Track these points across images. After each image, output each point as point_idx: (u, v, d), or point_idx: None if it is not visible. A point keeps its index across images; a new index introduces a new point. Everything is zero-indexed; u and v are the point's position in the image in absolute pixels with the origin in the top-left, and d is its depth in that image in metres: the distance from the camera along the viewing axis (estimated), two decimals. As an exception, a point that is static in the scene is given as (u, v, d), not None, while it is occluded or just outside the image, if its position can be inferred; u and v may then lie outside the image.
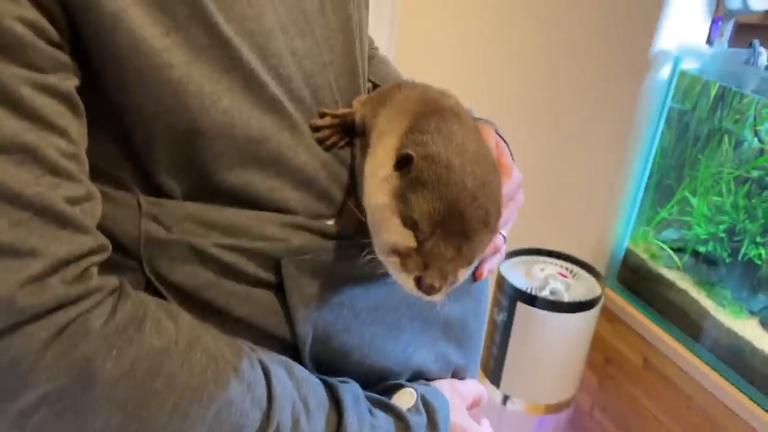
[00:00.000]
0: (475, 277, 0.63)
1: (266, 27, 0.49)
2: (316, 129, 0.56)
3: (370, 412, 0.54)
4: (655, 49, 1.26)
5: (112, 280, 0.44)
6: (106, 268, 0.46)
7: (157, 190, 0.50)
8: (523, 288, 1.30)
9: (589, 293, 1.31)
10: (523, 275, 1.36)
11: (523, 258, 1.41)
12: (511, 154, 0.66)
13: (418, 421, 0.56)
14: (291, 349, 0.54)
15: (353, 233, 0.56)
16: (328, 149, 0.56)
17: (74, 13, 0.41)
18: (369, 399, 0.56)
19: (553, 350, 1.32)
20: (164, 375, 0.43)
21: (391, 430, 0.54)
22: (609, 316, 1.41)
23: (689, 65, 1.26)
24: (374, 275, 0.56)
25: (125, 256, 0.49)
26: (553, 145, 1.54)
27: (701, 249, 1.29)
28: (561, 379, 1.36)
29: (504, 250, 0.67)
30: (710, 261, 1.29)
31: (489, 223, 0.51)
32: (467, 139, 0.53)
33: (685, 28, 1.25)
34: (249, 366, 0.47)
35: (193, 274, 0.50)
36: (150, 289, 0.49)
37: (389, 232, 0.49)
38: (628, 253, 1.38)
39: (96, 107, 0.45)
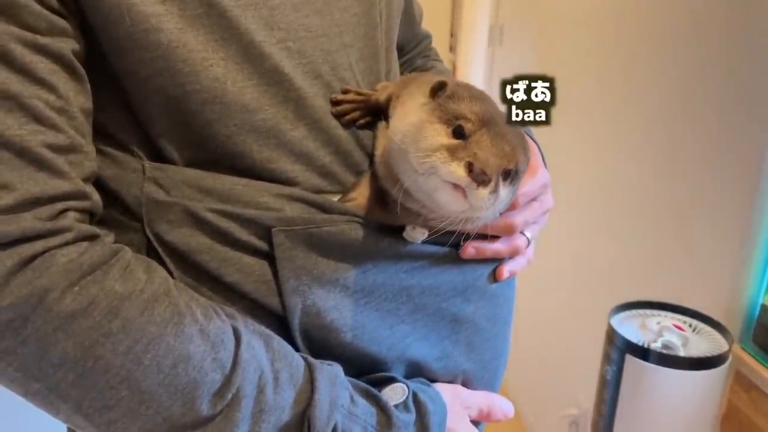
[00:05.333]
0: (495, 276, 0.61)
1: (272, 1, 0.53)
2: (337, 103, 0.58)
3: (352, 398, 0.52)
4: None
5: (90, 228, 0.47)
6: (112, 227, 0.51)
7: (160, 156, 0.53)
8: (635, 340, 1.19)
9: (713, 350, 1.16)
10: (637, 328, 1.25)
11: (639, 311, 1.29)
12: (544, 159, 0.64)
13: (405, 419, 0.53)
14: (281, 321, 0.54)
15: (366, 214, 0.57)
16: (346, 125, 0.58)
17: None
18: (355, 387, 0.54)
19: (670, 411, 1.18)
20: (121, 318, 0.44)
21: (370, 421, 0.52)
22: (744, 383, 1.24)
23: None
24: (374, 257, 0.56)
25: (129, 217, 0.53)
26: (676, 190, 1.44)
27: None
28: (683, 449, 1.21)
29: (530, 253, 0.63)
30: None
31: (525, 147, 0.52)
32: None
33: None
34: (218, 329, 0.48)
35: (188, 236, 0.52)
36: (151, 249, 0.52)
37: (433, 135, 0.49)
38: (764, 311, 1.22)
39: (102, 75, 0.51)
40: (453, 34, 3.19)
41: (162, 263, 0.52)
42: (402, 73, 0.82)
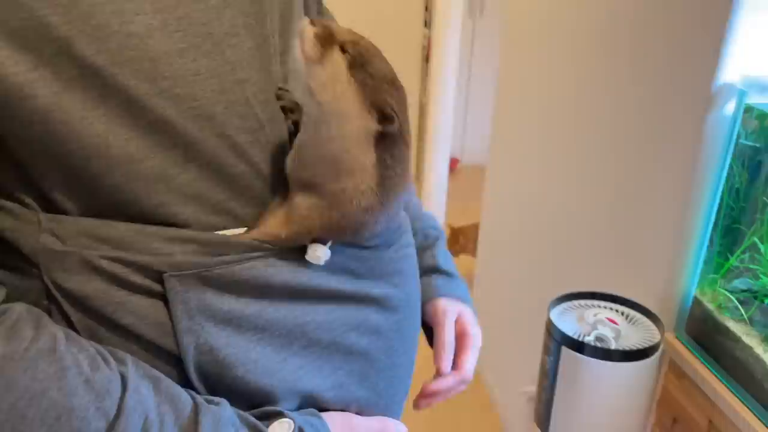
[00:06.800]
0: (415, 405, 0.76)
1: (153, 53, 0.54)
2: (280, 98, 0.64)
3: None
4: (717, 83, 1.17)
5: None
6: (13, 272, 0.54)
7: (55, 208, 0.56)
8: (572, 333, 1.24)
9: (645, 341, 1.22)
10: (575, 320, 1.30)
11: (578, 302, 1.34)
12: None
13: None
14: (177, 359, 0.57)
15: (264, 240, 0.59)
16: (252, 153, 0.61)
17: None
18: (243, 421, 0.57)
19: (605, 402, 1.23)
20: (5, 378, 0.48)
21: None
22: (677, 370, 1.30)
23: (759, 99, 1.16)
24: (269, 295, 0.59)
25: (29, 265, 0.56)
26: (614, 186, 1.47)
27: (768, 301, 1.15)
28: (617, 435, 1.27)
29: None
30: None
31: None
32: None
33: (752, 60, 1.16)
34: (104, 378, 0.52)
35: (84, 282, 0.55)
36: (50, 294, 0.55)
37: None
38: (696, 303, 1.27)
39: None
40: (427, 8, 3.15)
41: (61, 308, 0.56)
42: None
